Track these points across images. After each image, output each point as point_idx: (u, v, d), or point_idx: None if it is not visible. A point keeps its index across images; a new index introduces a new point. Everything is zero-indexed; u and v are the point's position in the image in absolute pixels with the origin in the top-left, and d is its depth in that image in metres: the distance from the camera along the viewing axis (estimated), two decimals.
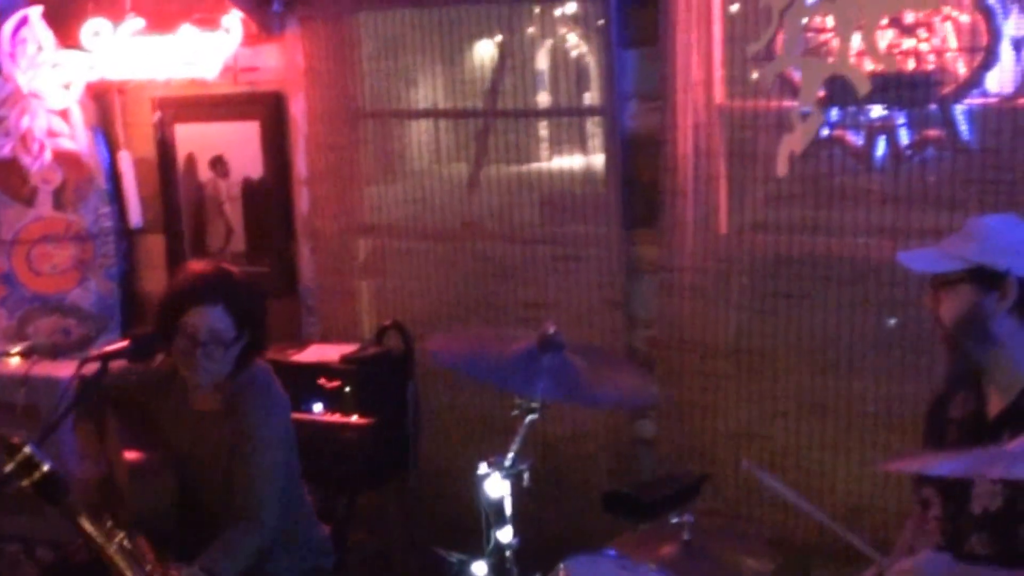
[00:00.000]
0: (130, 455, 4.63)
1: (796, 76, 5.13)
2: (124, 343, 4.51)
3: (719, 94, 5.46)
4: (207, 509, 4.64)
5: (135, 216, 7.13)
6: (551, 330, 4.08)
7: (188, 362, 4.51)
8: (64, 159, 7.00)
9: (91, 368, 4.36)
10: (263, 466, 4.51)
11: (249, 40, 6.46)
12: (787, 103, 5.20)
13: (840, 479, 5.34)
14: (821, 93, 5.08)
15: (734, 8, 5.32)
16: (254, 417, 4.55)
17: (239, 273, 4.69)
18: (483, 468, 4.07)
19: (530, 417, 4.05)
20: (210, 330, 4.46)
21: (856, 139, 5.15)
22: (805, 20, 5.09)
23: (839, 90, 5.06)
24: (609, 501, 4.56)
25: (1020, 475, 2.90)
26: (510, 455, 4.06)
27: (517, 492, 4.09)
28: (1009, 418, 3.54)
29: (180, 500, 4.63)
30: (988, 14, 4.80)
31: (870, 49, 4.92)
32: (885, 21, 4.96)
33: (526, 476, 4.09)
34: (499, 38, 6.13)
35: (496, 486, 4.05)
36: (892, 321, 5.19)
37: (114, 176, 7.13)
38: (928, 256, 3.69)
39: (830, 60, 5.02)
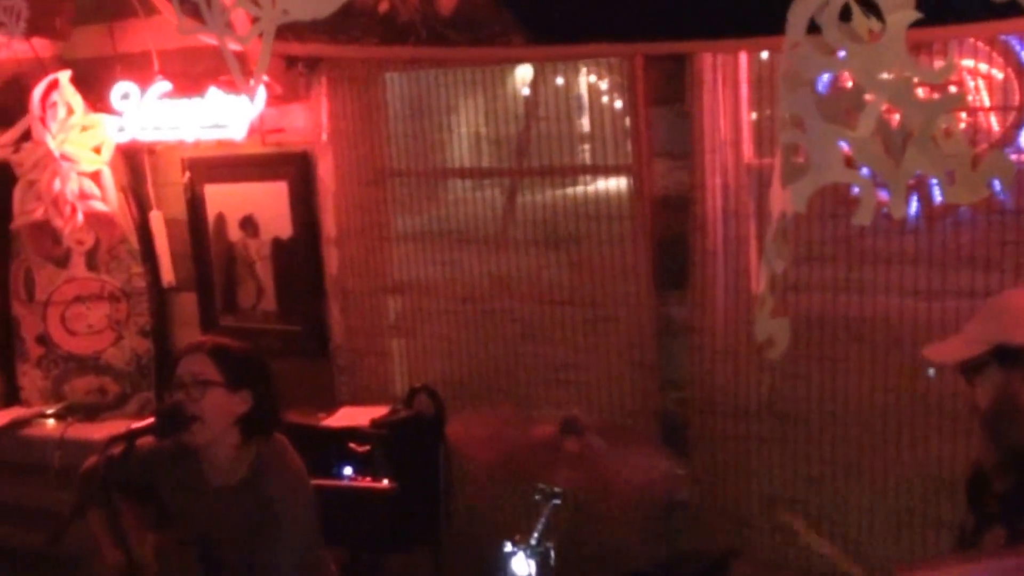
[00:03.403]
0: (152, 535, 4.61)
1: None
2: (150, 420, 4.48)
3: (748, 153, 5.39)
4: None
5: (167, 275, 7.13)
6: (573, 414, 4.03)
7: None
8: (96, 220, 7.00)
9: (118, 447, 4.34)
10: (286, 544, 4.45)
11: (275, 101, 6.45)
12: None
13: (877, 544, 5.26)
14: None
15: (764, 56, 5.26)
16: (275, 493, 4.48)
17: (232, 340, 4.73)
18: (508, 547, 4.03)
19: (553, 502, 4.00)
20: (191, 372, 4.49)
21: (882, 194, 5.05)
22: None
23: None
24: None
25: None
26: (535, 535, 4.01)
27: (544, 570, 4.04)
28: None
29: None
30: (1022, 71, 4.70)
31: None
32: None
33: (552, 554, 4.04)
34: (526, 96, 6.09)
35: (521, 565, 4.00)
36: (931, 372, 5.09)
37: (146, 236, 7.14)
38: (951, 346, 3.58)
39: None
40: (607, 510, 5.77)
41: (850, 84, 2.67)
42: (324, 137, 6.42)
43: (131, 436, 4.34)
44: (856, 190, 4.99)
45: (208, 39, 3.30)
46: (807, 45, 2.43)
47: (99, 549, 4.69)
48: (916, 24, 2.51)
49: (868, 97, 2.49)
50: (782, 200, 2.59)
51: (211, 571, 4.60)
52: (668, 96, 5.49)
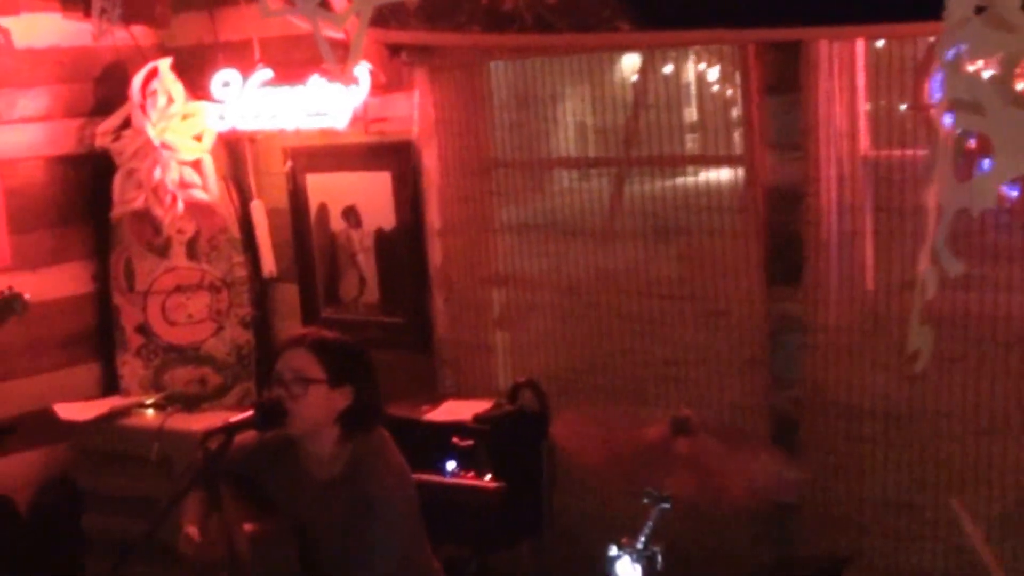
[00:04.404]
0: (249, 526, 4.58)
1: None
2: (248, 413, 4.46)
3: (864, 144, 5.23)
4: None
5: (269, 265, 7.07)
6: (685, 414, 3.92)
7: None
8: (197, 210, 6.95)
9: (216, 441, 4.33)
10: (386, 539, 4.45)
11: (378, 90, 6.35)
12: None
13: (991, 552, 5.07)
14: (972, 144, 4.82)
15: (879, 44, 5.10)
16: (373, 488, 4.48)
17: (334, 333, 4.70)
18: (613, 550, 3.93)
19: (662, 506, 3.89)
20: (292, 369, 4.47)
21: (1011, 191, 4.86)
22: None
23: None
24: None
25: None
26: (641, 539, 3.91)
27: (650, 575, 3.94)
28: None
29: (301, 569, 4.58)
30: None
31: None
32: None
33: (659, 559, 3.93)
34: (634, 83, 5.96)
35: (627, 569, 3.90)
36: None
37: (247, 226, 7.08)
38: None
39: None
40: (715, 513, 5.64)
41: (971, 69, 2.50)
42: (415, 129, 6.34)
43: (229, 430, 4.37)
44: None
45: (299, 23, 3.19)
46: (978, 24, 2.24)
47: (180, 528, 4.66)
48: None
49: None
50: (957, 196, 2.39)
51: (310, 565, 4.57)
52: (781, 85, 5.33)
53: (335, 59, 2.85)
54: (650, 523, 3.91)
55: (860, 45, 5.14)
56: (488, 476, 5.45)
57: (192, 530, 4.58)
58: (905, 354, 2.64)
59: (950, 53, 2.33)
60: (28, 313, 5.96)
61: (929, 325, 2.53)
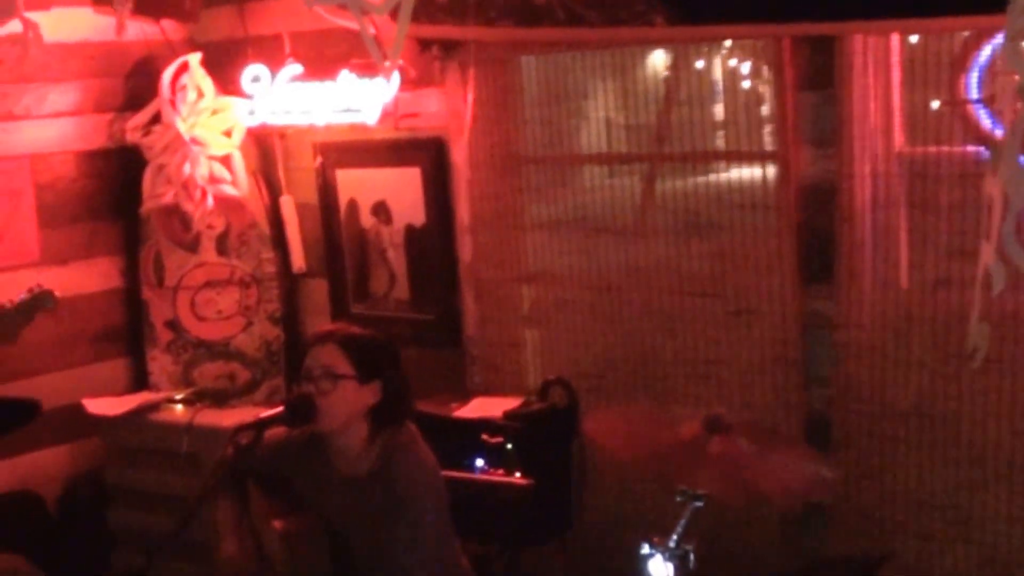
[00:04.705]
0: (279, 523, 4.57)
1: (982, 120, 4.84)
2: (278, 409, 4.44)
3: (899, 140, 5.18)
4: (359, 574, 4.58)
5: (298, 261, 7.06)
6: (718, 413, 3.89)
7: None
8: (226, 205, 6.93)
9: (246, 436, 4.32)
10: (415, 535, 4.41)
11: (409, 86, 6.32)
12: (971, 149, 4.91)
13: None
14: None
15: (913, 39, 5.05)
16: (403, 484, 4.44)
17: (362, 328, 4.65)
18: (645, 549, 3.91)
19: (695, 504, 3.86)
20: (321, 364, 4.42)
21: None
22: None
23: None
24: None
25: None
26: (674, 537, 3.89)
27: (683, 574, 3.91)
28: None
29: (331, 566, 4.59)
30: None
31: None
32: None
33: (692, 558, 3.91)
34: (666, 78, 5.93)
35: (659, 568, 3.88)
36: None
37: (276, 221, 7.06)
38: None
39: None
40: (747, 512, 5.61)
41: None
42: (467, 121, 6.30)
43: (260, 425, 4.36)
44: None
45: (339, 19, 3.16)
46: None
47: (220, 539, 4.66)
48: None
49: None
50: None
51: (341, 561, 4.57)
52: (815, 81, 5.29)
53: (375, 47, 2.82)
54: (683, 522, 3.89)
55: (895, 40, 5.09)
56: (517, 473, 5.42)
57: (230, 548, 4.60)
58: (966, 350, 2.59)
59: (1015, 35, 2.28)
60: (57, 308, 5.95)
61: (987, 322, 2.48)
